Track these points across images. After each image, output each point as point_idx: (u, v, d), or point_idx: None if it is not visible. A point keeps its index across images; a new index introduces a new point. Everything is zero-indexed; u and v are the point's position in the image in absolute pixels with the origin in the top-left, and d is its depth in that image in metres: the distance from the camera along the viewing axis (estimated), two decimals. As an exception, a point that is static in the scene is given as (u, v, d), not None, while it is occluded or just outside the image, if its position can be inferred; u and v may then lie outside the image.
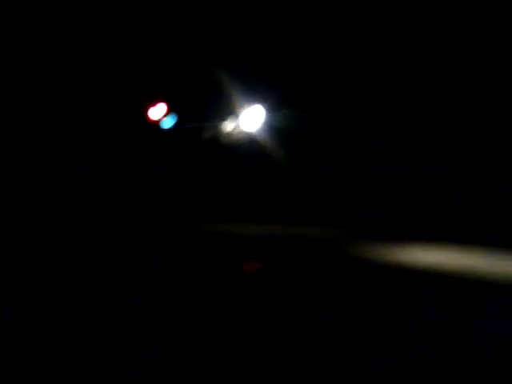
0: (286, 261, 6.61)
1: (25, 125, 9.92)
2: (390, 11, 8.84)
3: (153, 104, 10.31)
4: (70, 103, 9.98)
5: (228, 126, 9.71)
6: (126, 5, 9.72)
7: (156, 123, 10.35)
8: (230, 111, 9.56)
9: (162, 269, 6.24)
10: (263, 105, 9.45)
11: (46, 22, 9.70)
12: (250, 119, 9.50)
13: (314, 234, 8.23)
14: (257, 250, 7.20)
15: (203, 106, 9.79)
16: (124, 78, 9.95)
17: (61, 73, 9.87)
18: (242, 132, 9.56)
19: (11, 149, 9.83)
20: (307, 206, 9.08)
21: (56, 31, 9.72)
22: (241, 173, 9.66)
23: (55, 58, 9.80)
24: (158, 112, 10.35)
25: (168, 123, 10.48)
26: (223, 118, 9.68)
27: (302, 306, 4.91)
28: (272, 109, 9.45)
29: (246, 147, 9.49)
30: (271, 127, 9.45)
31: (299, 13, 9.21)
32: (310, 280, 5.78)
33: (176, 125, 10.13)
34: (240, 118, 9.54)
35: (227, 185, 9.66)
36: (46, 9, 9.60)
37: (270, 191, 9.45)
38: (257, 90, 9.41)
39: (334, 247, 7.27)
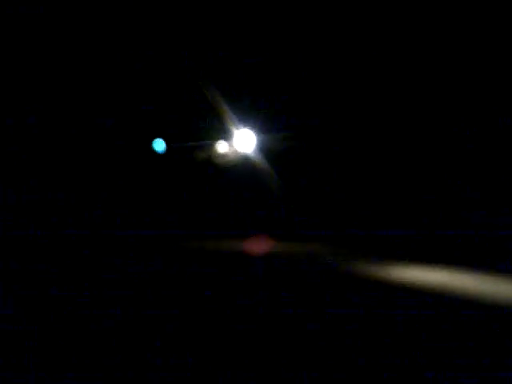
0: (285, 275, 6.91)
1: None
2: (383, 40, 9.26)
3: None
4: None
5: (222, 146, 10.06)
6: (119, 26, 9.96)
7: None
8: (223, 133, 9.91)
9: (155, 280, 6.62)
10: (256, 126, 9.81)
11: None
12: (243, 140, 9.85)
13: (313, 249, 8.53)
14: (252, 264, 7.53)
15: (197, 127, 10.10)
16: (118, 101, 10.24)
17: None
18: (235, 152, 9.90)
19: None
20: (305, 222, 9.42)
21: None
22: (235, 190, 10.01)
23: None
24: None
25: (160, 146, 10.69)
26: (217, 139, 10.03)
27: (299, 319, 5.19)
28: (264, 130, 9.82)
29: (240, 167, 9.85)
30: (263, 148, 9.81)
31: (290, 36, 9.57)
32: (308, 294, 6.06)
33: (171, 144, 10.42)
34: (234, 139, 9.90)
35: (222, 202, 10.01)
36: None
37: (264, 208, 9.81)
38: (249, 112, 9.77)
39: (332, 263, 7.56)
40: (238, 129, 9.95)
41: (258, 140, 9.99)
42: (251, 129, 9.97)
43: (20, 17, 9.44)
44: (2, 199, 9.89)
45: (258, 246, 8.81)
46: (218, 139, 10.18)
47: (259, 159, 9.93)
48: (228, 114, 9.75)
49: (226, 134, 10.03)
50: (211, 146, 10.24)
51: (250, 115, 9.88)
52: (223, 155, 10.20)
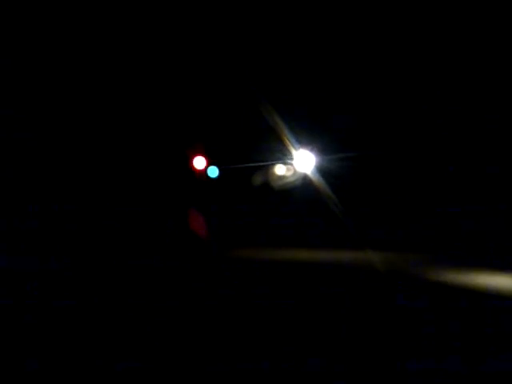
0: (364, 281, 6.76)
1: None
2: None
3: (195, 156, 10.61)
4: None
5: (282, 167, 10.03)
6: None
7: (201, 172, 10.61)
8: (283, 154, 9.87)
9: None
10: (315, 148, 9.75)
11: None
12: (303, 161, 9.79)
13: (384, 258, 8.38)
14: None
15: (257, 148, 10.07)
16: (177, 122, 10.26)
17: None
18: (296, 173, 9.84)
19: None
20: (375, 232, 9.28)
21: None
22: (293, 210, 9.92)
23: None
24: (200, 163, 10.67)
25: (213, 172, 10.76)
26: (277, 161, 10.00)
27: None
28: (323, 152, 9.75)
29: (301, 187, 9.77)
30: (322, 169, 9.74)
31: (346, 60, 9.61)
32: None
33: (227, 167, 10.40)
34: (294, 160, 9.85)
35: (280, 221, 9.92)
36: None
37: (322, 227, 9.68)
38: (309, 134, 9.73)
39: (401, 270, 7.39)
40: (297, 150, 9.90)
41: (317, 161, 9.92)
42: (310, 150, 9.92)
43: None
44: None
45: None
46: (277, 161, 10.14)
47: (318, 180, 9.83)
48: (287, 135, 9.71)
49: (284, 156, 9.97)
50: (270, 168, 10.21)
51: (310, 136, 9.84)
52: (281, 177, 10.15)
